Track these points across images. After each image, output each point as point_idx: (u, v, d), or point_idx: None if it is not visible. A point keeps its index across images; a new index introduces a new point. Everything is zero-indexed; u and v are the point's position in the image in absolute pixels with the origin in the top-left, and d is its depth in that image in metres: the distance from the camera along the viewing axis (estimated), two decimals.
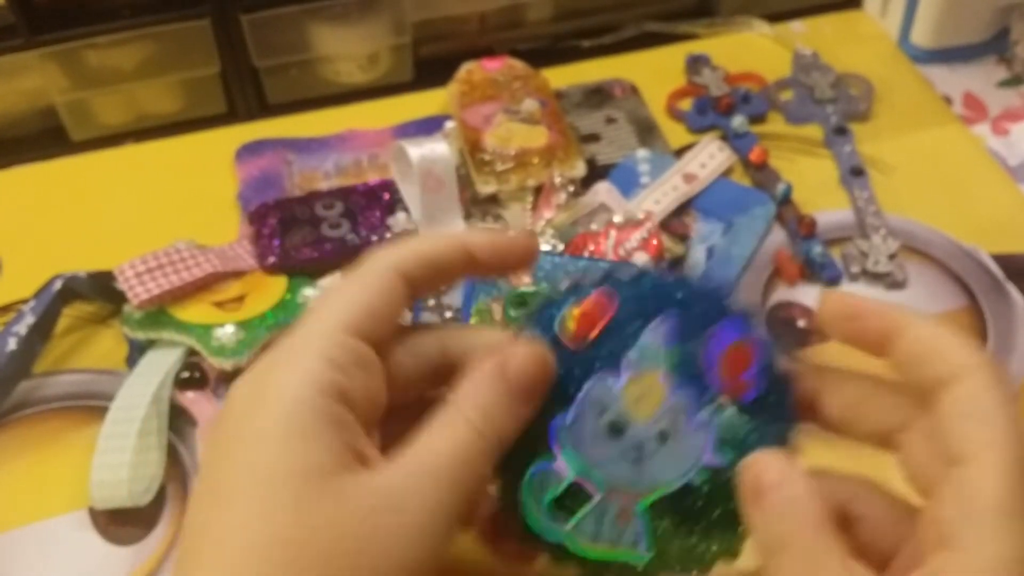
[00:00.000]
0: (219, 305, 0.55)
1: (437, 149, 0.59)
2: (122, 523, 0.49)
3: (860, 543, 0.28)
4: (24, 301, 0.55)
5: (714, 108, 0.69)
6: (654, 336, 0.35)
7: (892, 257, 0.60)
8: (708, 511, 0.31)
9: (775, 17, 0.76)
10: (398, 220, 0.59)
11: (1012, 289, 0.59)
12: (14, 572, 0.48)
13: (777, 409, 0.34)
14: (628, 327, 0.34)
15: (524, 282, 0.54)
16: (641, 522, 0.31)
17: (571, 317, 0.34)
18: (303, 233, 0.58)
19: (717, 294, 0.36)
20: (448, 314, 0.55)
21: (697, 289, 0.36)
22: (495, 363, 0.29)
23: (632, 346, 0.35)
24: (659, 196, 0.62)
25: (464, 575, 0.32)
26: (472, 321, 0.54)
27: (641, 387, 0.31)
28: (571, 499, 0.31)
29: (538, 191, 0.61)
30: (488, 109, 0.64)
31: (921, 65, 0.74)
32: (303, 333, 0.29)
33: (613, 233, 0.58)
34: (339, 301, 0.29)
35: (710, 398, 0.36)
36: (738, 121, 0.67)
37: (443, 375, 0.30)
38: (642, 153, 0.65)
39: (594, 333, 0.35)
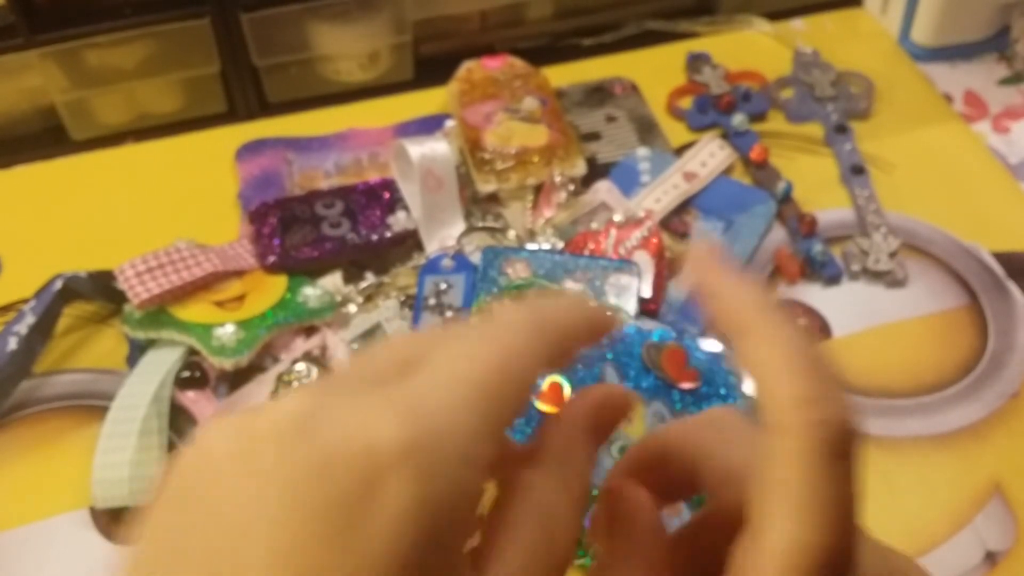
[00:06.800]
0: (219, 304, 0.55)
1: (437, 148, 0.59)
2: (123, 522, 0.49)
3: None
4: (24, 301, 0.55)
5: (714, 106, 0.69)
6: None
7: (893, 255, 0.60)
8: None
9: (775, 15, 0.76)
10: (398, 219, 0.59)
11: (1013, 287, 0.59)
12: (14, 571, 0.48)
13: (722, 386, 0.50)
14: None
15: (520, 275, 0.54)
16: None
17: (539, 403, 0.49)
18: (303, 232, 0.58)
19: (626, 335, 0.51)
20: (448, 313, 0.55)
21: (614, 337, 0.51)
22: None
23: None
24: (659, 194, 0.62)
25: None
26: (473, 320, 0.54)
27: None
28: None
29: (538, 190, 0.61)
30: (488, 108, 0.64)
31: (922, 63, 0.74)
32: None
33: (613, 232, 0.58)
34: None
35: (674, 393, 0.50)
36: (738, 119, 0.67)
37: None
38: (642, 151, 0.65)
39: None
